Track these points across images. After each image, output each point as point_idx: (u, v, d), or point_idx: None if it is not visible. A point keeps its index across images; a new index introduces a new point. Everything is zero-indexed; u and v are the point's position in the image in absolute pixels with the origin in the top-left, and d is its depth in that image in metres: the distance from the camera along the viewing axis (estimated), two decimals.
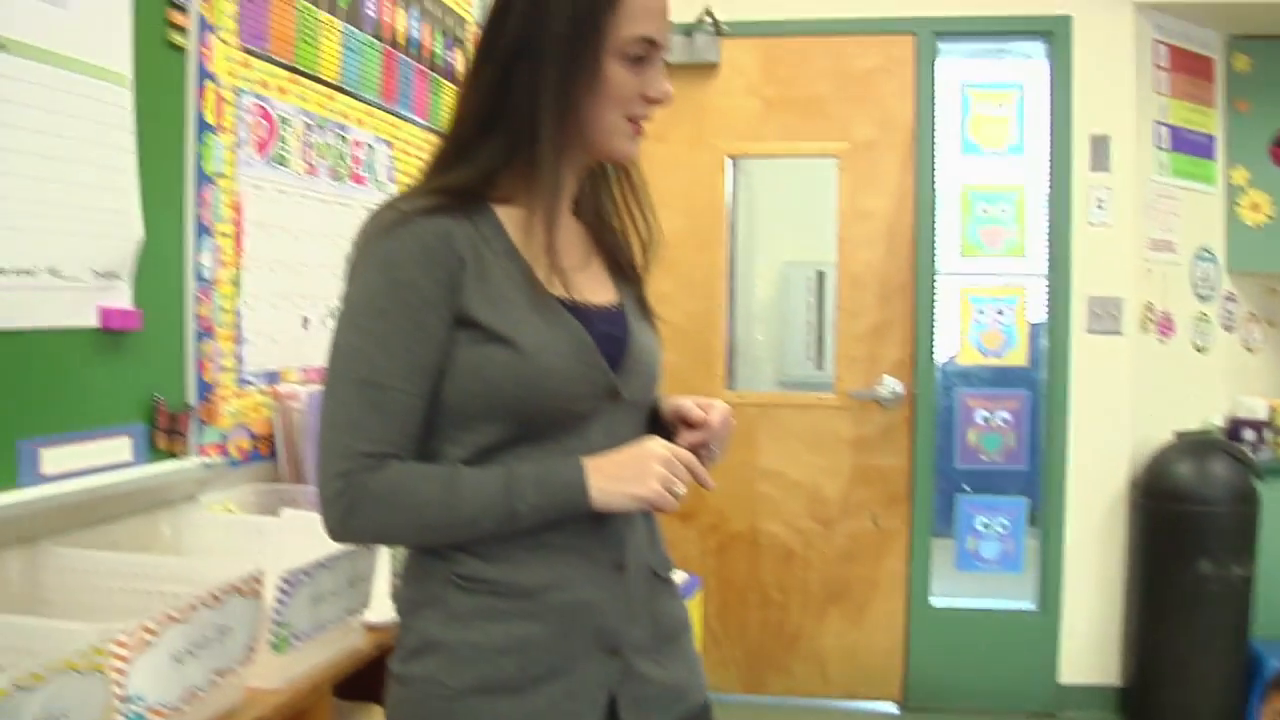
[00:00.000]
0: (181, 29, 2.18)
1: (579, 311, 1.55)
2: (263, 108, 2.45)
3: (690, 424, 1.64)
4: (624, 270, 1.70)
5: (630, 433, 1.58)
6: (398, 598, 1.58)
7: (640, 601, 1.58)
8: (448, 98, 3.37)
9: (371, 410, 1.43)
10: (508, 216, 1.54)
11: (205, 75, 2.26)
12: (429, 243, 1.44)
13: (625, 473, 1.48)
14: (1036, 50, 4.61)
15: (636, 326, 1.64)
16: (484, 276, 1.47)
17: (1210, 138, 4.86)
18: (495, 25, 1.53)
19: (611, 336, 1.58)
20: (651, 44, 1.52)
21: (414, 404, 1.45)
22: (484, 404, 1.46)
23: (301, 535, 2.14)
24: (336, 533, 1.46)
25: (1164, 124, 4.67)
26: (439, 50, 3.32)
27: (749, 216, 4.77)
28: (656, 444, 1.51)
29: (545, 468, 1.46)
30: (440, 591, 1.49)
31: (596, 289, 1.62)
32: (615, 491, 1.47)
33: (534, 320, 1.48)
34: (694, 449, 1.62)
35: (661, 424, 1.67)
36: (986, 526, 4.65)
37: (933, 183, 4.54)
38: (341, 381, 1.44)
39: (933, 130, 4.55)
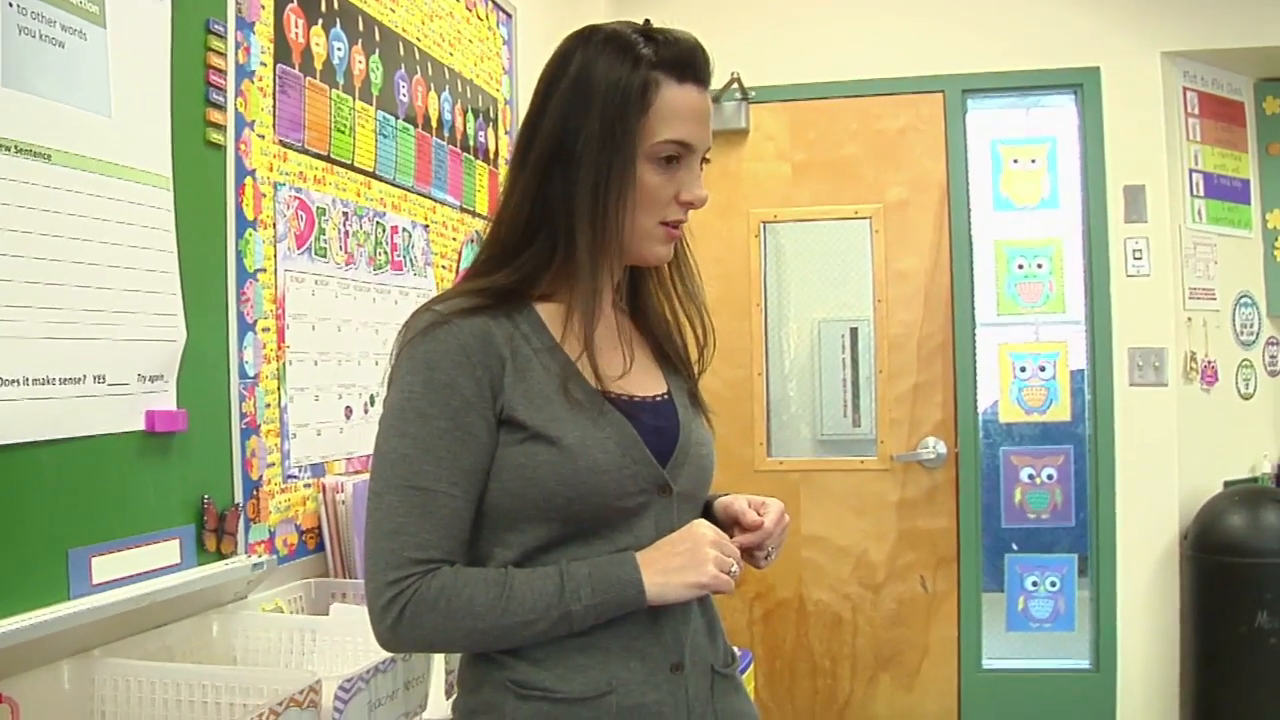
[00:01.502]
0: (220, 126, 2.18)
1: (624, 405, 1.54)
2: (301, 200, 2.44)
3: (744, 526, 1.62)
4: (672, 362, 1.68)
5: (673, 526, 1.55)
6: (455, 706, 1.56)
7: (701, 701, 1.54)
8: (481, 177, 3.37)
9: (419, 515, 1.41)
10: (548, 313, 1.53)
11: (244, 171, 2.26)
12: (467, 343, 1.44)
13: (677, 561, 1.46)
14: (1066, 101, 4.59)
15: (685, 417, 1.62)
16: (525, 374, 1.47)
17: (1245, 182, 4.82)
18: (529, 131, 1.54)
19: (659, 429, 1.57)
20: (684, 146, 1.51)
21: (460, 507, 1.44)
22: (531, 504, 1.45)
23: (353, 633, 2.12)
24: (388, 641, 1.45)
25: (1197, 170, 4.64)
26: (471, 130, 3.32)
27: (779, 276, 4.75)
28: (703, 526, 1.50)
29: (598, 566, 1.44)
30: (497, 699, 1.47)
31: (643, 381, 1.61)
32: (671, 583, 1.45)
33: (577, 417, 1.47)
34: (748, 550, 1.60)
35: (715, 523, 1.64)
36: (1036, 585, 4.58)
37: (969, 240, 4.52)
38: (387, 488, 1.43)
39: (966, 187, 4.53)
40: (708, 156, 1.57)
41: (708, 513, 1.66)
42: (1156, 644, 4.47)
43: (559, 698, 1.44)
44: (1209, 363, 4.62)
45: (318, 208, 2.50)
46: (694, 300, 1.67)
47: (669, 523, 1.53)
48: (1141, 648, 4.47)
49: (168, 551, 2.03)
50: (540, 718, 1.45)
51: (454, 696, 1.59)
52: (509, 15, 3.67)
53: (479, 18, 3.44)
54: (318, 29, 2.54)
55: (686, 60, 1.52)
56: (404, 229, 2.87)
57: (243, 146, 2.26)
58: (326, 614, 2.37)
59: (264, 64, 2.35)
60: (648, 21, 1.55)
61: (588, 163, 1.48)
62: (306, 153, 2.48)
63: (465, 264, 3.20)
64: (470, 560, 1.47)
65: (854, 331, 4.69)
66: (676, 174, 1.52)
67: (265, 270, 2.33)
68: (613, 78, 1.48)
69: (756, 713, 1.68)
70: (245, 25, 2.29)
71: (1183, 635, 4.44)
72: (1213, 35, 4.49)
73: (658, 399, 1.61)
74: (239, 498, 2.24)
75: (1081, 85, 4.51)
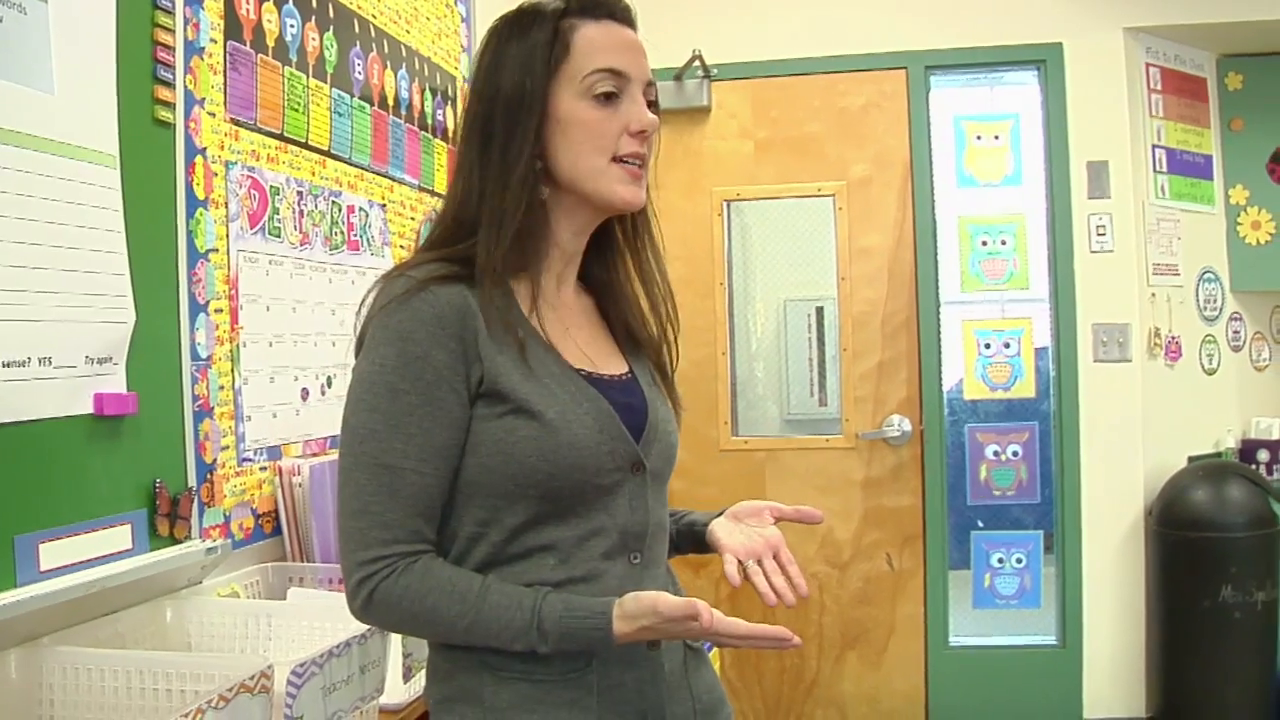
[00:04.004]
0: (168, 104, 2.14)
1: (595, 381, 1.52)
2: (254, 179, 2.40)
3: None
4: (634, 341, 1.66)
5: (654, 504, 1.54)
6: (428, 695, 1.53)
7: (676, 676, 1.54)
8: (439, 156, 3.33)
9: (386, 495, 1.39)
10: (519, 286, 1.50)
11: (194, 150, 2.22)
12: (443, 313, 1.40)
13: (655, 635, 1.40)
14: (1029, 78, 4.58)
15: (651, 395, 1.60)
16: (501, 346, 1.43)
17: (1207, 158, 4.83)
18: (467, 112, 1.54)
19: (630, 406, 1.54)
20: (617, 75, 1.49)
21: (431, 484, 1.41)
22: (509, 480, 1.42)
23: (310, 617, 2.09)
24: (359, 617, 1.44)
25: (1160, 146, 4.65)
26: (429, 109, 3.28)
27: (745, 255, 4.73)
28: (686, 624, 1.37)
29: (573, 618, 1.38)
30: (473, 684, 1.45)
31: (607, 360, 1.59)
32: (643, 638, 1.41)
33: (555, 391, 1.45)
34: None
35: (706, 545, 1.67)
36: (1002, 562, 4.59)
37: (932, 217, 4.51)
38: (356, 465, 1.40)
39: (929, 164, 4.52)
40: (654, 97, 1.55)
41: (698, 536, 1.68)
42: (1122, 619, 4.49)
43: (539, 679, 1.43)
44: (1173, 338, 4.63)
45: (271, 187, 2.46)
46: (659, 278, 1.65)
47: (642, 500, 1.51)
48: (1107, 623, 4.49)
49: (119, 537, 2.00)
50: (520, 699, 1.43)
51: (424, 685, 1.56)
52: None
53: None
54: (269, 5, 2.49)
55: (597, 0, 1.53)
56: (360, 208, 2.83)
57: (193, 125, 2.22)
58: (284, 598, 2.34)
59: (214, 40, 2.30)
60: None
61: (501, 121, 1.46)
62: (259, 131, 2.44)
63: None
64: (445, 538, 1.45)
65: (819, 311, 4.67)
66: (619, 107, 1.50)
67: (217, 250, 2.29)
68: (522, 42, 1.49)
69: (723, 691, 1.67)
70: (194, 1, 2.25)
71: (1148, 610, 4.46)
72: (1175, 11, 4.49)
73: (623, 377, 1.59)
74: (192, 481, 2.21)
75: (1044, 61, 4.50)
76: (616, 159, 1.50)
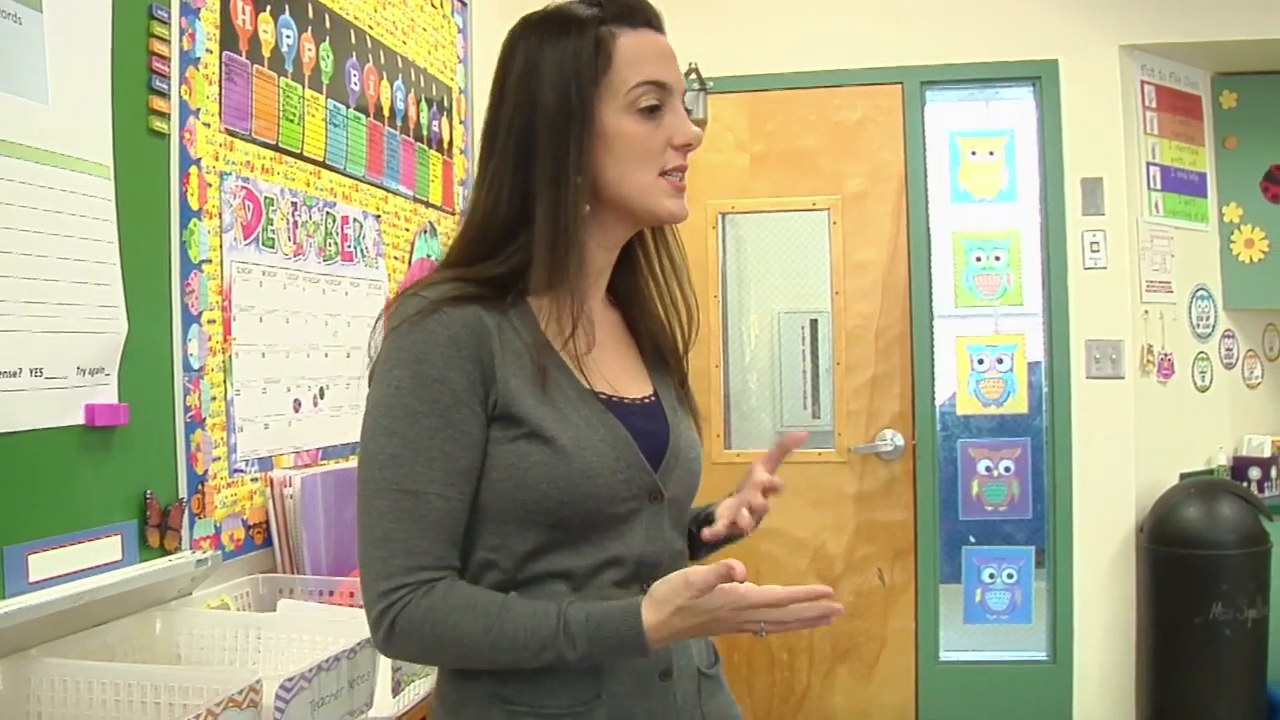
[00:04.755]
0: (163, 115, 2.14)
1: (615, 406, 1.48)
2: (248, 190, 2.40)
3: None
4: (664, 359, 1.63)
5: (672, 533, 1.50)
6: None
7: (689, 706, 1.49)
8: (434, 167, 3.33)
9: (409, 521, 1.34)
10: (539, 307, 1.46)
11: (189, 160, 2.22)
12: (458, 334, 1.37)
13: (688, 628, 1.34)
14: (1025, 95, 4.59)
15: (674, 419, 1.56)
16: (518, 369, 1.40)
17: (1201, 175, 4.84)
18: (492, 122, 1.48)
19: (650, 432, 1.50)
20: (660, 88, 1.46)
21: (455, 508, 1.37)
22: (519, 506, 1.38)
23: (299, 630, 2.09)
24: (382, 650, 1.39)
25: (1155, 164, 4.65)
26: (425, 120, 3.28)
27: (739, 268, 4.73)
28: (724, 603, 1.33)
29: (599, 618, 1.34)
30: (482, 718, 1.41)
31: (630, 381, 1.55)
32: (681, 635, 1.36)
33: (571, 416, 1.41)
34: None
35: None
36: (993, 577, 4.59)
37: (927, 232, 4.51)
38: (376, 492, 1.36)
39: (924, 179, 4.52)
40: (687, 105, 1.52)
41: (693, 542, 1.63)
42: (1113, 636, 4.49)
43: (548, 712, 1.39)
44: (1165, 355, 4.64)
45: (265, 197, 2.46)
46: (679, 281, 1.63)
47: (659, 530, 1.47)
48: (1098, 639, 4.49)
49: (108, 548, 1.99)
50: None
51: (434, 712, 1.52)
52: (464, 4, 3.63)
53: (433, 5, 3.40)
54: (265, 16, 2.49)
55: (634, 6, 1.48)
56: (355, 219, 2.83)
57: (187, 135, 2.22)
58: (275, 610, 2.34)
59: (210, 51, 2.30)
60: None
61: (548, 134, 1.42)
62: (254, 142, 2.44)
63: (419, 254, 3.16)
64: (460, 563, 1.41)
65: (814, 323, 4.67)
66: (662, 120, 1.46)
67: (211, 261, 2.28)
68: (562, 49, 1.43)
69: (739, 711, 1.63)
70: (190, 11, 2.25)
71: (1139, 627, 4.46)
72: (1170, 29, 4.50)
73: (646, 400, 1.55)
74: (183, 492, 2.20)
75: (1040, 78, 4.51)
76: (662, 173, 1.47)
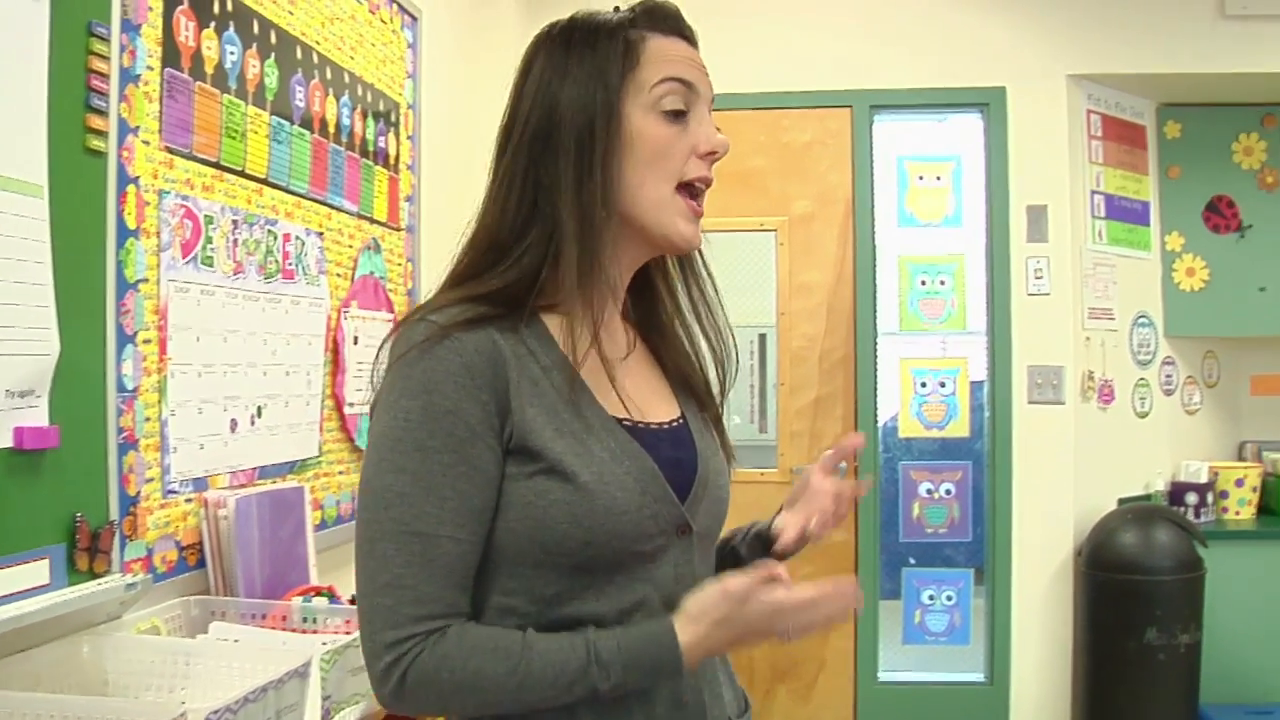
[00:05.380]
0: (101, 133, 2.11)
1: (640, 433, 1.39)
2: (187, 208, 2.38)
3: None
4: (685, 383, 1.54)
5: (702, 569, 1.42)
6: None
7: None
8: (380, 183, 3.31)
9: (420, 566, 1.25)
10: (554, 325, 1.38)
11: (126, 179, 2.19)
12: (471, 361, 1.28)
13: (725, 639, 1.30)
14: (973, 120, 4.62)
15: (702, 445, 1.48)
16: (535, 397, 1.31)
17: (1145, 204, 4.90)
18: (508, 124, 1.41)
19: (678, 461, 1.41)
20: (687, 88, 1.40)
21: (467, 552, 1.28)
22: (539, 547, 1.29)
23: (228, 656, 2.06)
24: (391, 708, 1.30)
25: (1099, 192, 4.71)
26: (371, 135, 3.26)
27: None
28: (756, 607, 1.28)
29: (630, 640, 1.27)
30: None
31: (656, 404, 1.47)
32: (714, 652, 1.32)
33: (593, 448, 1.32)
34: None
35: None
36: (933, 599, 4.62)
37: (873, 255, 4.54)
38: (382, 534, 1.27)
39: (871, 203, 4.55)
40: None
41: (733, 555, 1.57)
42: (1050, 658, 4.53)
43: None
44: (1106, 381, 4.69)
45: (205, 216, 2.43)
46: (713, 313, 1.54)
47: (689, 567, 1.39)
48: (1035, 662, 4.53)
49: (35, 572, 1.96)
50: None
51: None
52: (414, 19, 3.61)
53: (383, 20, 3.38)
54: (209, 32, 2.47)
55: (665, 12, 1.44)
56: (297, 236, 2.80)
57: (125, 153, 2.19)
58: (207, 632, 2.31)
59: (151, 68, 2.28)
60: (616, 8, 1.47)
61: (568, 129, 1.35)
62: (194, 159, 2.41)
63: (362, 271, 3.15)
64: (474, 610, 1.32)
65: (762, 338, 4.69)
66: (688, 125, 1.39)
67: (147, 280, 2.26)
68: (589, 51, 1.38)
69: None
70: (131, 28, 2.22)
71: (1075, 650, 4.51)
72: (1117, 60, 4.56)
73: (673, 424, 1.46)
74: (114, 514, 2.17)
75: (988, 105, 4.55)
76: (682, 184, 1.40)
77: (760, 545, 1.59)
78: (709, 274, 1.55)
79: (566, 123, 1.35)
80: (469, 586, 1.30)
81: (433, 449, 1.26)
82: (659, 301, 1.54)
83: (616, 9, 1.46)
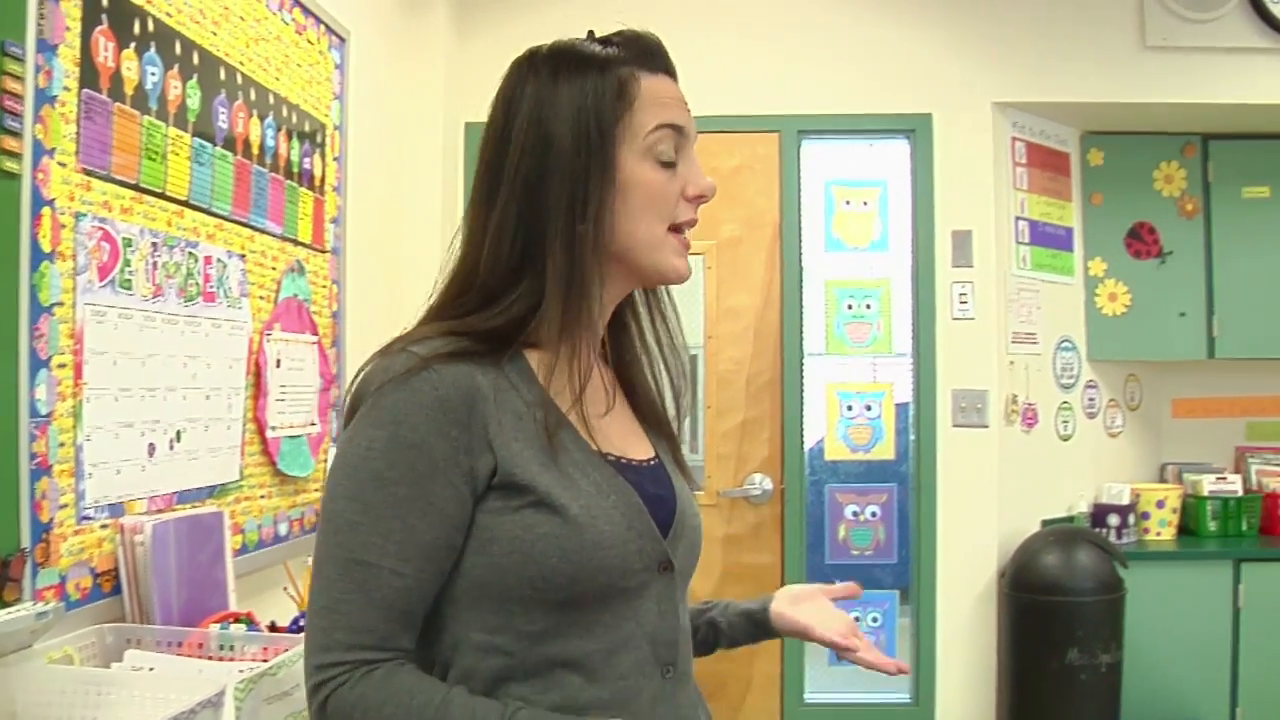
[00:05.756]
0: (15, 155, 2.09)
1: (625, 469, 1.39)
2: (105, 230, 2.35)
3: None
4: (656, 418, 1.54)
5: (682, 609, 1.41)
6: None
7: None
8: (305, 205, 3.29)
9: (357, 593, 1.24)
10: (537, 361, 1.37)
11: (41, 201, 2.16)
12: (446, 396, 1.26)
13: None
14: (900, 146, 4.67)
15: (678, 484, 1.48)
16: (518, 432, 1.29)
17: (1068, 230, 4.98)
18: (495, 166, 1.38)
19: (659, 497, 1.41)
20: (678, 133, 1.40)
21: (410, 586, 1.25)
22: (525, 584, 1.27)
23: (140, 686, 2.04)
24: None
25: (1023, 218, 4.77)
26: (296, 157, 3.24)
27: None
28: None
29: None
30: None
31: (634, 442, 1.47)
32: None
33: (580, 482, 1.31)
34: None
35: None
36: (858, 620, 4.64)
37: (799, 279, 4.57)
38: (327, 558, 1.26)
39: (798, 227, 4.58)
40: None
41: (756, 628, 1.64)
42: (974, 679, 4.57)
43: None
44: (1029, 405, 4.74)
45: (123, 238, 2.41)
46: (674, 342, 1.54)
47: (671, 604, 1.37)
48: (960, 682, 4.57)
49: None
50: None
51: None
52: (342, 40, 3.60)
53: (309, 41, 3.36)
54: (130, 52, 2.45)
55: (653, 50, 1.42)
56: (218, 259, 2.78)
57: (40, 175, 2.17)
58: (121, 660, 2.28)
59: (68, 89, 2.25)
60: (591, 33, 1.45)
61: (562, 177, 1.33)
62: (113, 181, 2.39)
63: (285, 293, 3.12)
64: (453, 648, 1.30)
65: (694, 359, 4.70)
66: (677, 169, 1.39)
67: (63, 304, 2.23)
68: (580, 87, 1.36)
69: None
70: (48, 48, 2.19)
71: (999, 671, 4.55)
72: (1042, 88, 4.63)
73: (651, 463, 1.46)
74: (26, 542, 2.14)
75: (914, 131, 4.60)
76: (673, 227, 1.40)
77: (748, 624, 1.66)
78: (671, 302, 1.55)
79: (561, 172, 1.33)
80: (412, 625, 1.28)
81: (389, 480, 1.25)
82: (629, 336, 1.53)
83: (591, 33, 1.45)
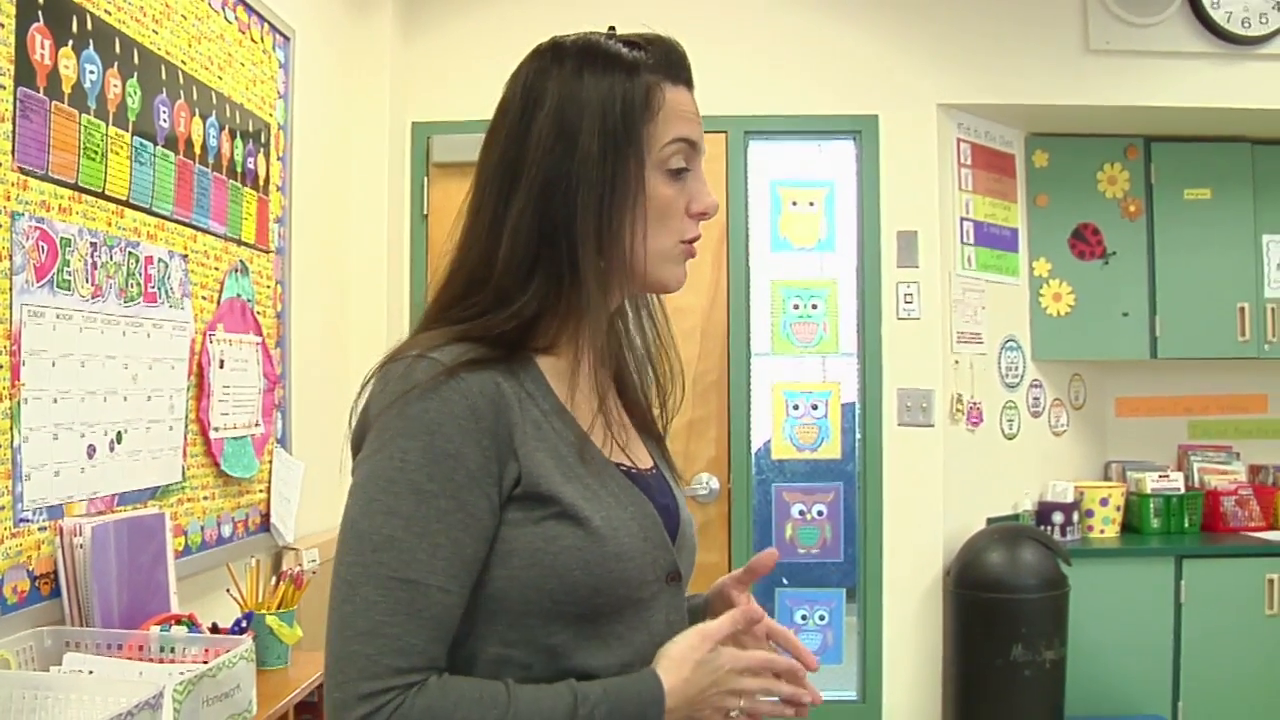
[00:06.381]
0: None
1: (636, 478, 1.37)
2: (43, 230, 2.33)
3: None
4: (646, 425, 1.53)
5: (683, 618, 1.40)
6: None
7: None
8: (249, 205, 3.27)
9: (405, 615, 1.19)
10: (550, 368, 1.35)
11: None
12: (477, 405, 1.23)
13: (705, 687, 1.28)
14: (846, 147, 4.69)
15: (678, 493, 1.47)
16: (540, 441, 1.28)
17: (1013, 231, 5.02)
18: (510, 163, 1.35)
19: (665, 507, 1.39)
20: (692, 148, 1.38)
21: (455, 604, 1.22)
22: (546, 596, 1.25)
23: (79, 690, 2.02)
24: None
25: (969, 219, 4.80)
26: (239, 157, 3.23)
27: None
28: (728, 655, 1.30)
29: (618, 685, 1.25)
30: None
31: (637, 450, 1.45)
32: (695, 698, 1.28)
33: (599, 493, 1.30)
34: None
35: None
36: (806, 619, 4.67)
37: (746, 279, 4.58)
38: (365, 577, 1.20)
39: (745, 227, 4.60)
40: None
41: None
42: (920, 676, 4.60)
43: None
44: (974, 404, 4.78)
45: (62, 238, 2.39)
46: (665, 347, 1.53)
47: (678, 614, 1.37)
48: (906, 680, 4.60)
49: None
50: None
51: None
52: (287, 39, 3.58)
53: (253, 40, 3.34)
54: (67, 50, 2.43)
55: (678, 61, 1.41)
56: (160, 259, 2.76)
57: None
58: (61, 663, 2.26)
59: (3, 86, 2.23)
60: (613, 28, 1.43)
61: (588, 184, 1.30)
62: (50, 180, 2.37)
63: (229, 293, 3.11)
64: (458, 662, 1.26)
65: None
66: (686, 184, 1.38)
67: None
68: (608, 89, 1.33)
69: None
70: None
71: (945, 668, 4.58)
72: (987, 90, 4.67)
73: (653, 471, 1.45)
74: None
75: (860, 132, 4.62)
76: (681, 241, 1.39)
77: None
78: (660, 304, 1.54)
79: (587, 179, 1.31)
80: (449, 640, 1.24)
81: (430, 493, 1.21)
82: (615, 337, 1.50)
83: (612, 29, 1.43)
